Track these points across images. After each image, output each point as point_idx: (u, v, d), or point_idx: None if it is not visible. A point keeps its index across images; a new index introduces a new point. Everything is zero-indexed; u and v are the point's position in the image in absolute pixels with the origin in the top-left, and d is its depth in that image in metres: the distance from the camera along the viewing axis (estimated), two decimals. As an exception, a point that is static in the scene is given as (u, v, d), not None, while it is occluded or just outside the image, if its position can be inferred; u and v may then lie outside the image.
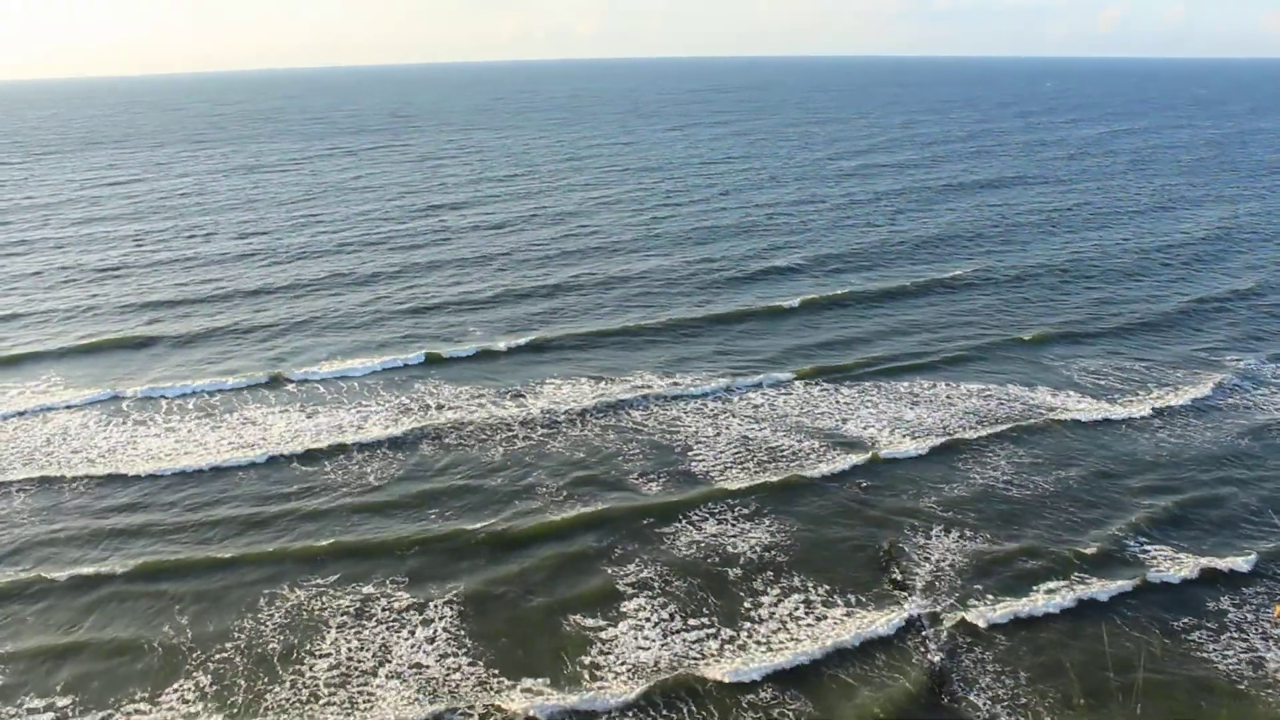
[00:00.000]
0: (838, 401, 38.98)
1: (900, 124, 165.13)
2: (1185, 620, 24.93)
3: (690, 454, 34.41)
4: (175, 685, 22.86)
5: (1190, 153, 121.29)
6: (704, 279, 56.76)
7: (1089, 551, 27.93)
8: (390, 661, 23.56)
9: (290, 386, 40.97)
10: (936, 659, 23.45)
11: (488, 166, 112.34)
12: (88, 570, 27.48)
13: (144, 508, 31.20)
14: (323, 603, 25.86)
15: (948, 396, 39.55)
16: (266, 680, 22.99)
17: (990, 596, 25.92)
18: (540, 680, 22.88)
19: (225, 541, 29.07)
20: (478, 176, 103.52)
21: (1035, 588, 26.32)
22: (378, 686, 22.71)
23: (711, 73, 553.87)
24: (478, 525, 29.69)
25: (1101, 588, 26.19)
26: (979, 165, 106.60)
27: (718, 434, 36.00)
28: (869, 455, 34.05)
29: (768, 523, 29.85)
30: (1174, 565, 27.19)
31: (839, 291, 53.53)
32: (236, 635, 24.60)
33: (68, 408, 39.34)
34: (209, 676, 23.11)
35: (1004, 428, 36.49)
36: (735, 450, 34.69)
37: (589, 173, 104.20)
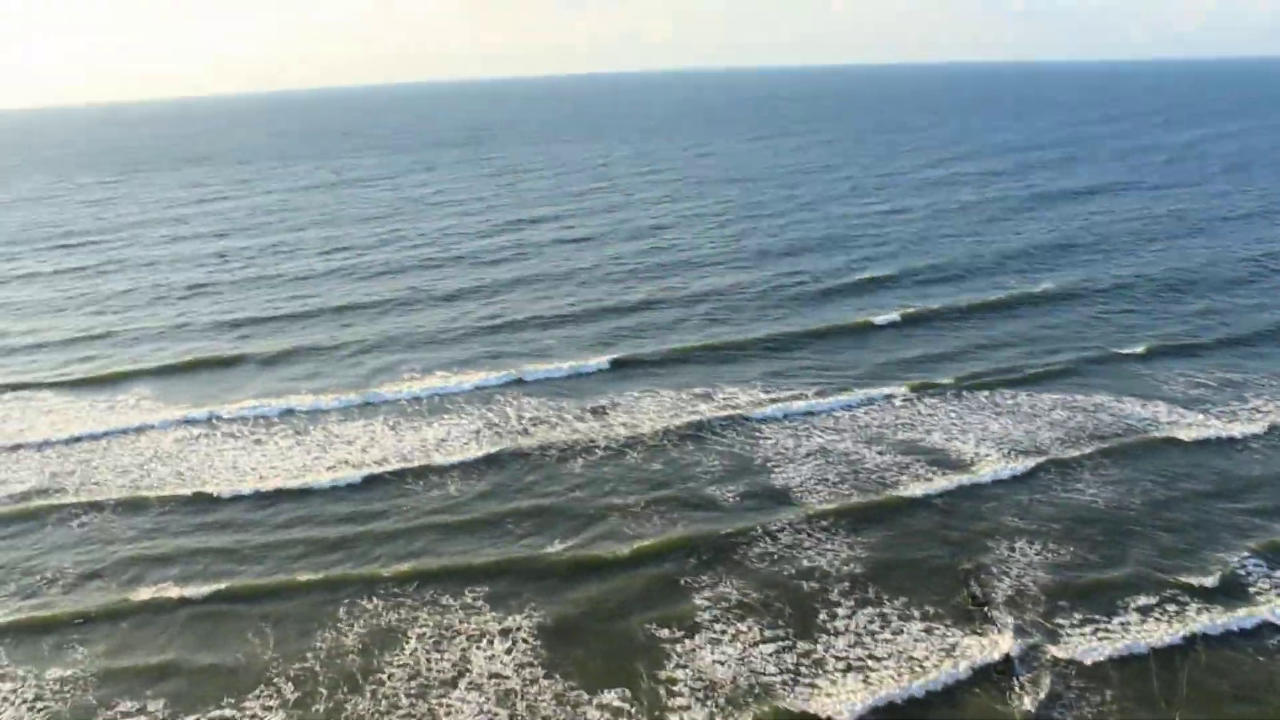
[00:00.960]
0: (931, 417, 37.47)
1: (982, 130, 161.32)
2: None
3: (775, 470, 33.35)
4: (259, 696, 22.63)
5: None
6: (789, 293, 55.48)
7: (1199, 582, 25.85)
8: (469, 673, 23.10)
9: (377, 405, 40.46)
10: (1034, 698, 21.78)
11: (567, 180, 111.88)
12: (174, 593, 27.14)
13: (233, 527, 30.92)
14: (403, 616, 25.50)
15: (1042, 413, 37.81)
16: (347, 690, 22.66)
17: (1092, 628, 24.20)
18: (618, 693, 22.34)
19: (310, 560, 28.64)
20: (557, 190, 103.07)
21: (1143, 618, 24.49)
22: (456, 698, 22.26)
23: (782, 81, 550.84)
24: (560, 545, 28.96)
25: (1213, 621, 24.20)
26: (1067, 173, 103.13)
27: (803, 450, 34.87)
28: (964, 474, 32.52)
29: (854, 541, 28.76)
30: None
31: (930, 306, 51.78)
32: (319, 649, 24.27)
33: (159, 427, 39.12)
34: (292, 686, 22.86)
35: (1104, 445, 34.70)
36: (820, 466, 33.58)
37: (668, 185, 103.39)
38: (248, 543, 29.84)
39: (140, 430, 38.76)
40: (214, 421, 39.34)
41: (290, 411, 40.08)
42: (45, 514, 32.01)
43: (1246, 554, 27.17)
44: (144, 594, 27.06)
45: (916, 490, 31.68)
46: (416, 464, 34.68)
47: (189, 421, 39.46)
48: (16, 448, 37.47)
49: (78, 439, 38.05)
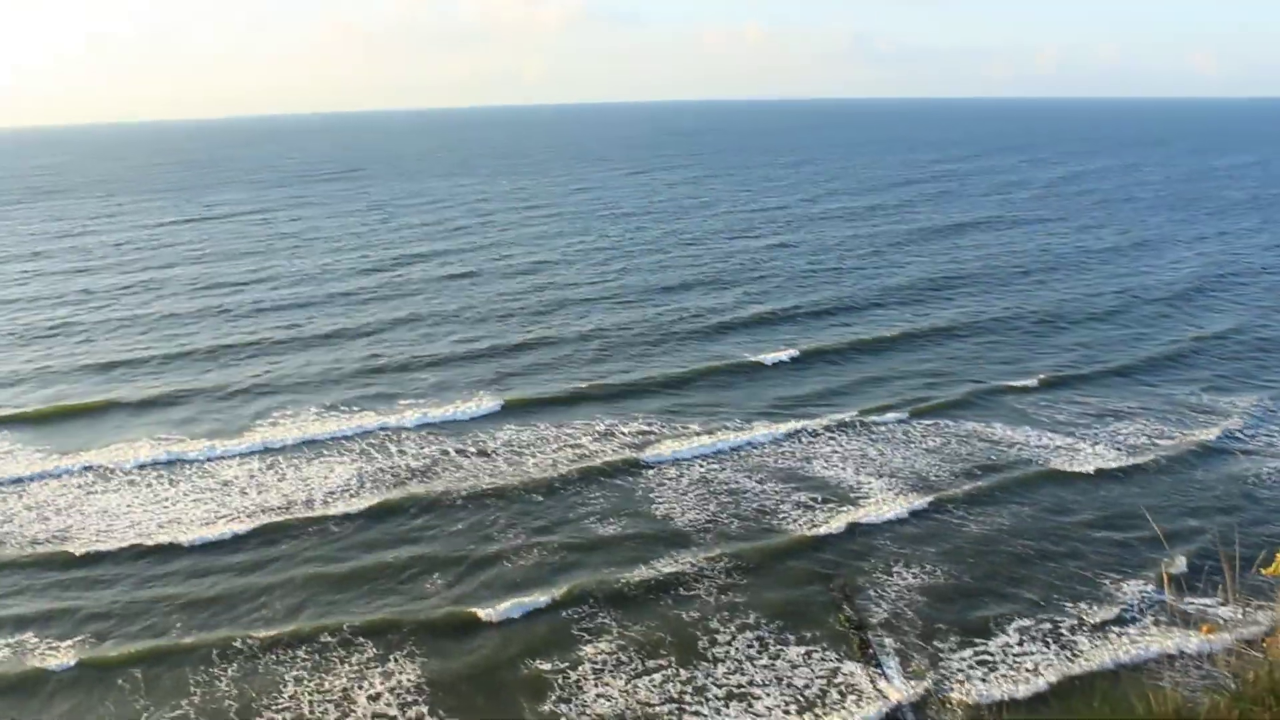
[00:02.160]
0: (818, 452, 37.93)
1: (859, 166, 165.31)
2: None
3: (660, 508, 33.42)
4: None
5: (1151, 191, 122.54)
6: (675, 330, 55.50)
7: (1084, 614, 26.41)
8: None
9: (253, 452, 39.00)
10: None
11: (445, 215, 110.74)
12: (36, 662, 25.40)
13: (102, 584, 29.26)
14: (281, 676, 24.37)
15: (927, 444, 38.58)
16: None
17: (971, 652, 24.87)
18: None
19: (183, 618, 27.26)
20: (435, 226, 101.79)
21: (1022, 645, 25.08)
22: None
23: (660, 116, 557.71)
24: (444, 593, 28.37)
25: (1105, 658, 24.57)
26: (945, 208, 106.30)
27: (690, 488, 34.93)
28: (847, 506, 33.16)
29: (734, 570, 29.14)
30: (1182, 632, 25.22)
31: (817, 342, 52.24)
32: (196, 714, 23.02)
33: (25, 479, 36.96)
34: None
35: (989, 477, 35.41)
36: (704, 502, 33.76)
37: (548, 221, 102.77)
38: (116, 602, 28.21)
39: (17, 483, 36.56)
40: (82, 471, 37.27)
41: (163, 460, 38.16)
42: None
43: (1133, 584, 27.80)
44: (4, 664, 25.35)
45: (799, 523, 32.01)
46: (295, 514, 33.35)
47: (56, 473, 37.30)
48: None
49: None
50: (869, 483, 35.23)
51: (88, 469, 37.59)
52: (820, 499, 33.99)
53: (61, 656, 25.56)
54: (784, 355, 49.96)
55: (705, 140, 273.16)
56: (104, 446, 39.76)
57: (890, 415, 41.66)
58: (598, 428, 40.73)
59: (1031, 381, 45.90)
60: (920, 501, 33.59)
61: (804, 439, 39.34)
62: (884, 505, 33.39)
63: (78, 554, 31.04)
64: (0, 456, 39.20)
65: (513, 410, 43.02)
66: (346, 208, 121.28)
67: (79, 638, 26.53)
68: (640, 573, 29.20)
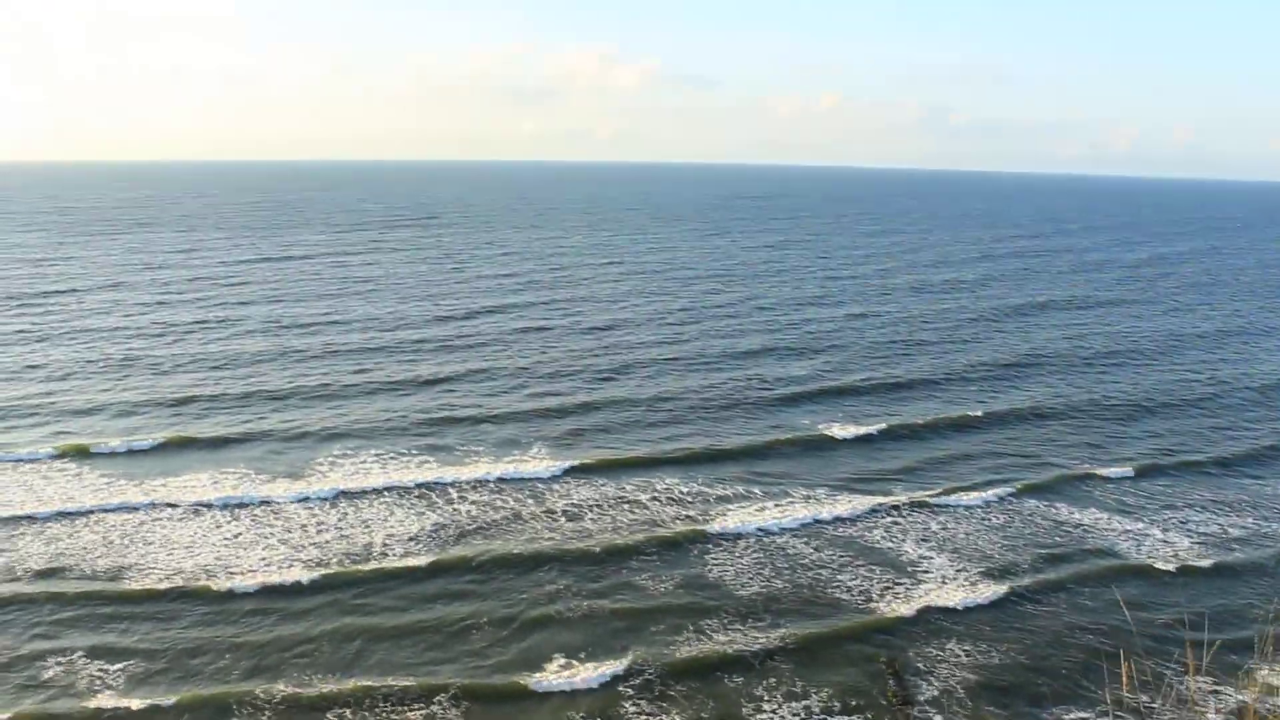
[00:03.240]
0: (891, 531, 36.71)
1: (936, 239, 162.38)
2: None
3: (714, 570, 32.80)
4: None
5: (1240, 276, 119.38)
6: (748, 399, 54.12)
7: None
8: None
9: (317, 498, 38.65)
10: None
11: (518, 267, 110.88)
12: (86, 701, 24.73)
13: (151, 620, 28.67)
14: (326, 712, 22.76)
15: (1004, 527, 37.40)
16: None
17: None
18: None
19: (231, 669, 26.62)
20: (508, 278, 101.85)
21: None
22: None
23: (732, 178, 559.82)
24: (496, 657, 27.56)
25: None
26: (1026, 286, 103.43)
27: (751, 557, 33.97)
28: (912, 593, 31.62)
29: (787, 640, 28.08)
30: None
31: (895, 420, 50.37)
32: None
33: (94, 510, 36.95)
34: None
35: (1069, 570, 33.97)
36: (765, 572, 32.88)
37: (621, 280, 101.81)
38: (169, 640, 27.83)
39: (67, 515, 36.37)
40: (149, 507, 37.08)
41: (231, 501, 37.86)
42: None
43: (1209, 687, 26.01)
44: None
45: (859, 599, 31.19)
46: (354, 563, 32.94)
47: (121, 506, 37.12)
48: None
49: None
50: (937, 563, 34.05)
51: (153, 504, 37.53)
52: (884, 577, 32.91)
53: (112, 695, 24.98)
54: (859, 430, 48.42)
55: (780, 205, 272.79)
56: (171, 481, 39.74)
57: (966, 496, 40.32)
58: (663, 493, 39.93)
59: (1117, 469, 44.13)
60: (990, 586, 32.38)
61: (874, 517, 38.13)
62: (950, 587, 32.28)
63: (136, 589, 30.75)
64: (70, 486, 39.09)
65: (578, 470, 42.29)
66: (421, 255, 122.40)
67: (132, 674, 26.09)
68: (693, 644, 28.44)
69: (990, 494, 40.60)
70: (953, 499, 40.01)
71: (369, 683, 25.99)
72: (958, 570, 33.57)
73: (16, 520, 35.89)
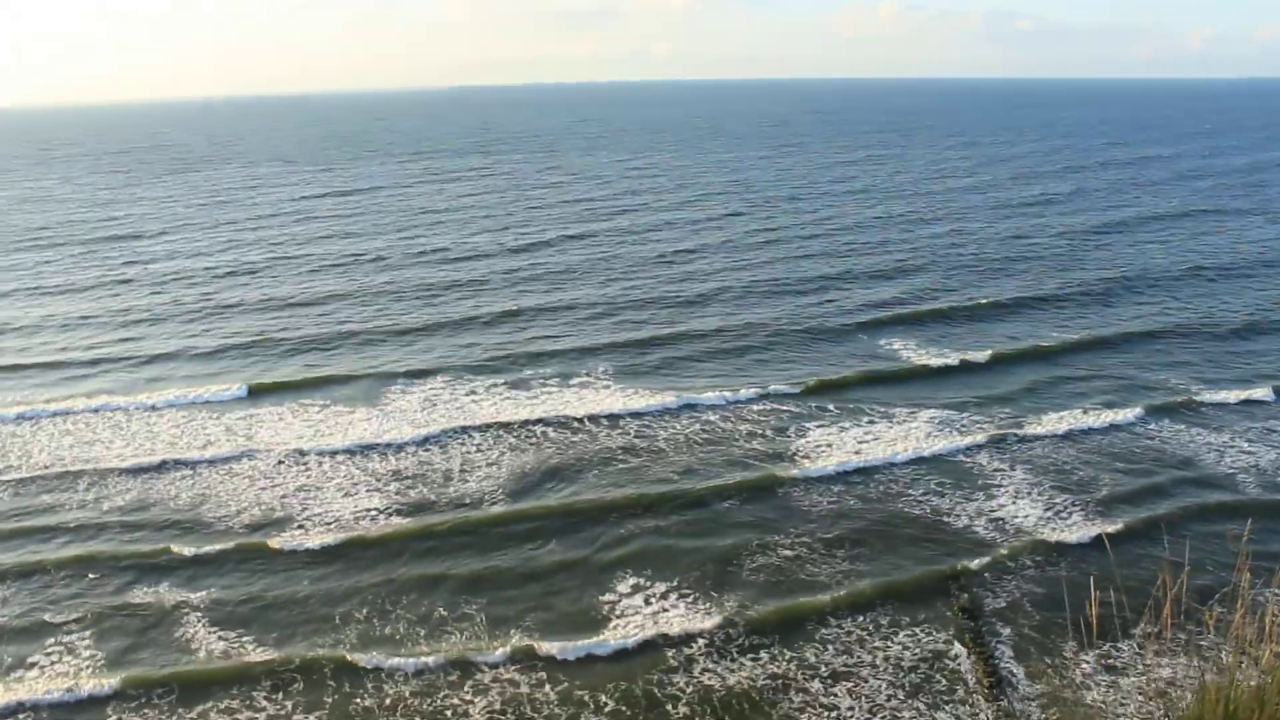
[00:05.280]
0: (973, 462, 33.98)
1: (1022, 150, 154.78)
2: None
3: (801, 502, 30.01)
4: None
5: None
6: (820, 328, 51.54)
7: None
8: None
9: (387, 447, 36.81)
10: None
11: (580, 194, 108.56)
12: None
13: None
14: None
15: (1104, 460, 34.68)
16: None
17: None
18: None
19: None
20: (571, 203, 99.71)
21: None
22: None
23: (794, 94, 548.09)
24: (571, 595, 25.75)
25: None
26: (1124, 198, 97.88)
27: (830, 496, 31.44)
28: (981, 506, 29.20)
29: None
30: None
31: (990, 348, 47.17)
32: None
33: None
34: None
35: (1184, 502, 31.16)
36: (844, 508, 30.12)
37: (696, 205, 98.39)
38: (258, 596, 26.49)
39: (146, 468, 35.42)
40: (229, 458, 35.93)
41: (308, 449, 36.58)
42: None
43: None
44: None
45: (946, 531, 29.49)
46: (433, 510, 31.52)
47: (204, 459, 36.06)
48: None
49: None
50: (1031, 493, 31.94)
51: (235, 454, 36.50)
52: (974, 508, 30.86)
53: (207, 653, 24.01)
54: (948, 357, 45.76)
55: (844, 120, 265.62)
56: (249, 426, 39.08)
57: (1067, 423, 37.86)
58: (746, 428, 38.04)
59: (1244, 393, 40.85)
60: (1087, 518, 30.30)
61: (969, 449, 35.81)
62: (1044, 519, 30.24)
63: (219, 542, 29.72)
64: (146, 434, 38.29)
65: (658, 406, 40.28)
66: (485, 184, 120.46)
67: (226, 628, 25.04)
68: (759, 557, 27.96)
69: (1098, 420, 38.08)
70: (1053, 427, 37.58)
71: (449, 632, 24.91)
72: (1053, 501, 31.43)
73: (100, 473, 35.00)
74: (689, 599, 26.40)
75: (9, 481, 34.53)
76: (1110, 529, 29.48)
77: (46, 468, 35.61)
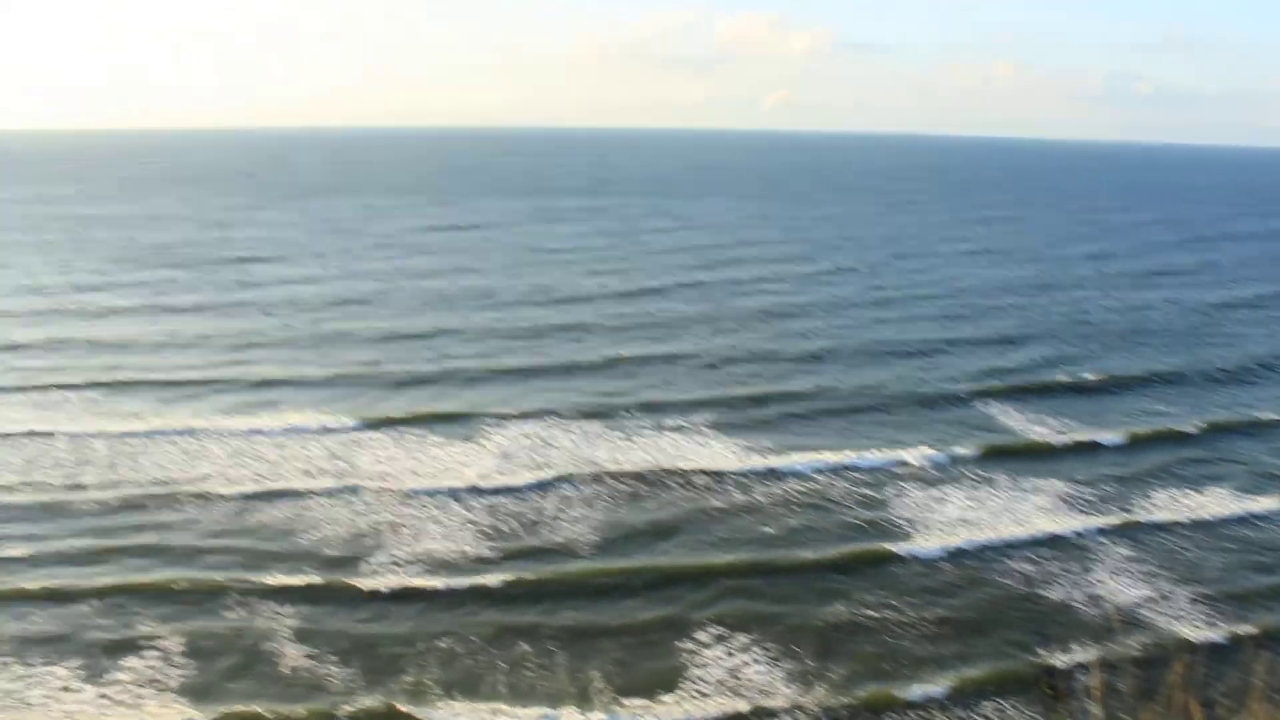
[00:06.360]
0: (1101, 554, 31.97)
1: (1142, 219, 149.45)
2: None
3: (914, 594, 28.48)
4: None
5: None
6: (940, 392, 49.99)
7: None
8: None
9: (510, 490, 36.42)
10: None
11: (691, 237, 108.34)
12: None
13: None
14: None
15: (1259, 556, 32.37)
16: None
17: None
18: None
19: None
20: (682, 250, 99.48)
21: None
22: None
23: (907, 149, 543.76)
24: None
25: None
26: (1259, 274, 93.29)
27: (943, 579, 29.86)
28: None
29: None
30: None
31: (1104, 427, 44.85)
32: None
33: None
34: None
35: None
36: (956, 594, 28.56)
37: (808, 258, 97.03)
38: (366, 636, 26.09)
39: (259, 495, 35.59)
40: (334, 491, 35.94)
41: (409, 489, 36.46)
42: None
43: None
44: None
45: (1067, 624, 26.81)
46: (525, 561, 30.86)
47: (311, 490, 36.13)
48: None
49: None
50: (1156, 587, 29.71)
51: (337, 488, 36.31)
52: (1090, 598, 28.42)
53: (324, 694, 23.67)
54: (1069, 434, 43.63)
55: (961, 177, 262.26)
56: (352, 460, 38.97)
57: (1198, 512, 35.62)
58: (853, 495, 36.76)
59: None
60: (1203, 614, 28.26)
61: (1090, 534, 33.84)
62: (1148, 602, 28.30)
63: (332, 578, 29.43)
64: (255, 461, 38.42)
65: (764, 467, 39.17)
66: (595, 224, 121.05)
67: (344, 669, 24.63)
68: (855, 634, 25.32)
69: (1230, 509, 35.89)
70: (1180, 515, 35.52)
71: (529, 687, 24.12)
72: (1175, 594, 29.52)
73: (202, 495, 35.32)
74: (777, 671, 25.32)
75: (114, 498, 35.04)
76: (1240, 630, 27.70)
77: (150, 485, 36.11)
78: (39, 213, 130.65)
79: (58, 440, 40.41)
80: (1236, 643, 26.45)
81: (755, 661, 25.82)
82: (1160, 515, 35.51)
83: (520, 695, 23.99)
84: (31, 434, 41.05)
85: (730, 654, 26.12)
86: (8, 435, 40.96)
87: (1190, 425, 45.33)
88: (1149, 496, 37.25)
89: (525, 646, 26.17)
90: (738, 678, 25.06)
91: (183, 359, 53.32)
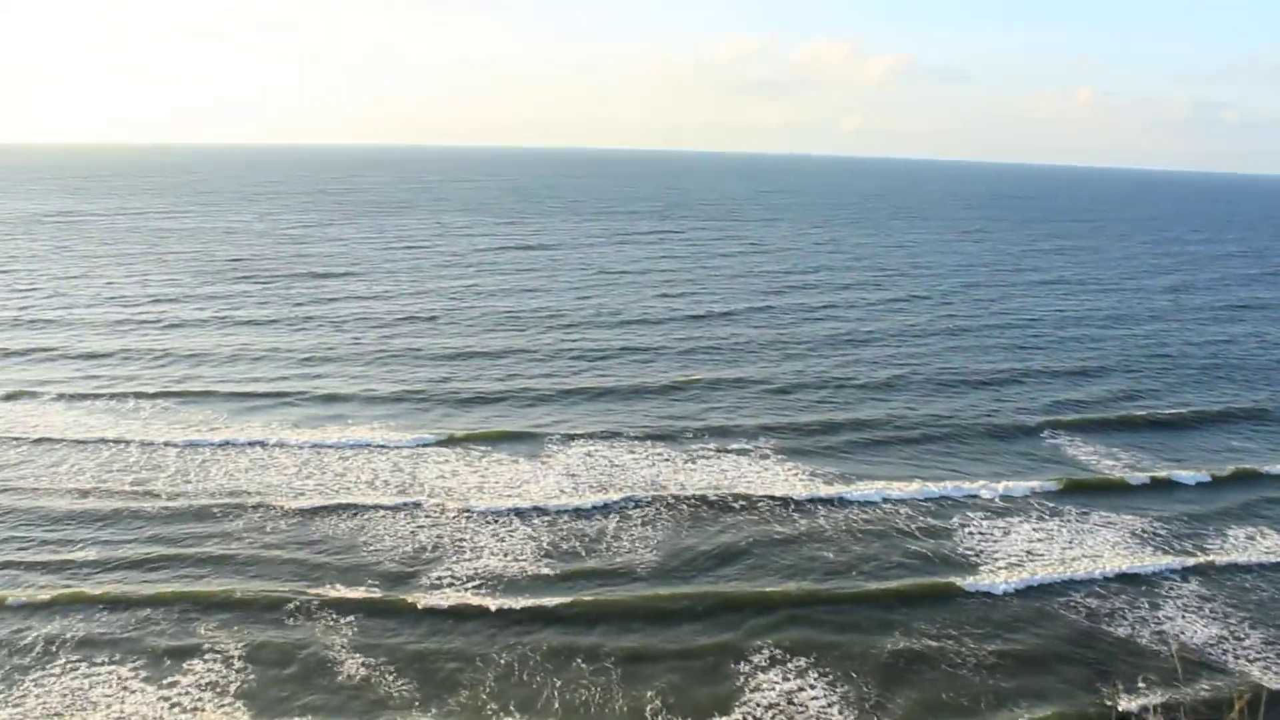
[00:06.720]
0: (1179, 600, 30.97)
1: (1233, 250, 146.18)
2: None
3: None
4: None
5: None
6: (1011, 424, 49.04)
7: None
8: None
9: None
10: None
11: (760, 262, 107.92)
12: None
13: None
14: None
15: None
16: None
17: None
18: None
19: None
20: (751, 275, 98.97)
21: None
22: None
23: (985, 177, 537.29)
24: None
25: None
26: None
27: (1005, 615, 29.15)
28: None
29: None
30: None
31: (1180, 463, 43.87)
32: None
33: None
34: None
35: None
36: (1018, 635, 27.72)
37: (879, 284, 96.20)
38: (434, 654, 26.10)
39: (326, 509, 35.96)
40: (401, 507, 36.20)
41: (473, 509, 36.58)
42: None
43: None
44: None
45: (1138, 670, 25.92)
46: (583, 583, 30.79)
47: (379, 505, 36.43)
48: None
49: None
50: (1219, 624, 29.04)
51: (408, 504, 36.40)
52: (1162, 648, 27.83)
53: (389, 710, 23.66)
54: (1143, 470, 42.50)
55: (1037, 206, 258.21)
56: (414, 479, 39.19)
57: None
58: (918, 527, 36.21)
59: None
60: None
61: (1164, 576, 32.97)
62: (1221, 645, 27.34)
63: (394, 595, 29.45)
64: (325, 475, 38.86)
65: (827, 495, 38.75)
66: (665, 248, 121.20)
67: (414, 688, 24.79)
68: (916, 667, 24.92)
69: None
70: (1260, 557, 34.47)
71: (579, 708, 24.06)
72: (1248, 637, 28.68)
73: (267, 506, 35.79)
74: (835, 700, 24.99)
75: (182, 506, 35.64)
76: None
77: (218, 495, 36.67)
78: (122, 225, 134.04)
79: (131, 448, 41.28)
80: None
81: (813, 690, 25.45)
82: (1235, 556, 34.44)
83: (576, 716, 23.85)
84: (105, 440, 42.00)
85: (788, 681, 25.82)
86: (83, 441, 41.97)
87: (1270, 464, 44.00)
88: (1225, 535, 36.17)
89: (583, 667, 26.11)
90: (795, 705, 24.72)
91: (254, 371, 54.29)
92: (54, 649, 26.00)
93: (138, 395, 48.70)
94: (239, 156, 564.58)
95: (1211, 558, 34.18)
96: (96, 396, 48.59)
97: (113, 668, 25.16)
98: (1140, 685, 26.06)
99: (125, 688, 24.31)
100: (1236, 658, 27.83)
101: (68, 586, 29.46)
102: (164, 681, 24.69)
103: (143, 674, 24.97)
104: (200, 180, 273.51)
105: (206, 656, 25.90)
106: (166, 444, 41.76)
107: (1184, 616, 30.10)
